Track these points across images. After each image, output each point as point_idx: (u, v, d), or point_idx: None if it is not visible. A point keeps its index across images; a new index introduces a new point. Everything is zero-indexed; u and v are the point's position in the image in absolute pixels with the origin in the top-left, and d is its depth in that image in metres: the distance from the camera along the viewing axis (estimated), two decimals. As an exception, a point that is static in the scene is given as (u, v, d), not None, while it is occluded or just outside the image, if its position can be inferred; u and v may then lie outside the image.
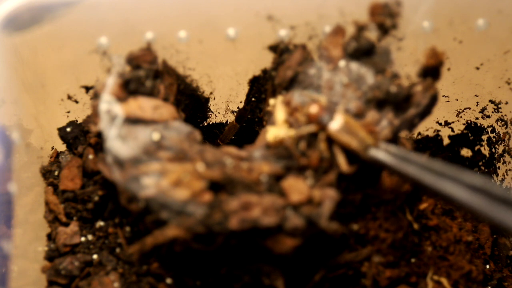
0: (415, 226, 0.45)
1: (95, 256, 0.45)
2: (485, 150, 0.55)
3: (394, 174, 0.41)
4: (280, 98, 0.41)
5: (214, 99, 0.52)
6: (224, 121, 0.55)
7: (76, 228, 0.46)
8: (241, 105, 0.52)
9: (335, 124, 0.38)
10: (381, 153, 0.37)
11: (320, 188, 0.38)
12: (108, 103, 0.39)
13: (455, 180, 0.31)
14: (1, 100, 0.43)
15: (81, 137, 0.48)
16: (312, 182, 0.38)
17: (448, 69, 0.48)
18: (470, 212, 0.30)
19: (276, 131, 0.39)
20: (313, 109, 0.38)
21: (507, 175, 0.53)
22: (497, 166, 0.54)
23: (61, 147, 0.49)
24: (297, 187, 0.37)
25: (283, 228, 0.36)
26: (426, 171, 0.33)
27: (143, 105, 0.40)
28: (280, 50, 0.44)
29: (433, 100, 0.40)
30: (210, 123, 0.55)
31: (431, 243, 0.45)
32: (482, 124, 0.54)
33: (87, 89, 0.48)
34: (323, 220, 0.37)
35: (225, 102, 0.53)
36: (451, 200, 0.31)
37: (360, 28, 0.41)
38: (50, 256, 0.46)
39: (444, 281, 0.44)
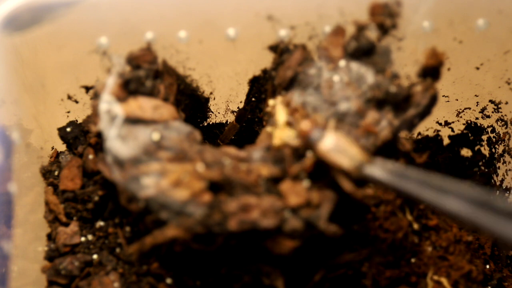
0: (415, 226, 0.45)
1: (95, 256, 0.45)
2: (485, 150, 0.55)
3: (391, 191, 0.39)
4: (279, 99, 0.41)
5: (214, 99, 0.52)
6: (224, 121, 0.55)
7: (76, 228, 0.46)
8: (241, 105, 0.52)
9: (326, 143, 0.35)
10: (377, 171, 0.34)
11: (318, 190, 0.38)
12: (108, 103, 0.39)
13: (456, 195, 0.29)
14: (1, 100, 0.43)
15: (81, 137, 0.48)
16: (309, 183, 0.38)
17: (448, 69, 0.48)
18: (473, 226, 0.29)
19: (281, 133, 0.39)
20: (305, 125, 0.36)
21: (507, 175, 0.53)
22: (497, 166, 0.54)
23: (61, 147, 0.49)
24: (295, 190, 0.37)
25: (282, 230, 0.36)
26: (426, 187, 0.31)
27: (143, 105, 0.40)
28: (280, 50, 0.44)
29: (433, 100, 0.40)
30: (210, 123, 0.55)
31: (431, 243, 0.45)
32: (482, 124, 0.54)
33: (87, 89, 0.48)
34: (322, 222, 0.37)
35: (225, 102, 0.53)
36: (453, 216, 0.29)
37: (360, 28, 0.41)
38: (50, 256, 0.46)
39: (444, 281, 0.44)
